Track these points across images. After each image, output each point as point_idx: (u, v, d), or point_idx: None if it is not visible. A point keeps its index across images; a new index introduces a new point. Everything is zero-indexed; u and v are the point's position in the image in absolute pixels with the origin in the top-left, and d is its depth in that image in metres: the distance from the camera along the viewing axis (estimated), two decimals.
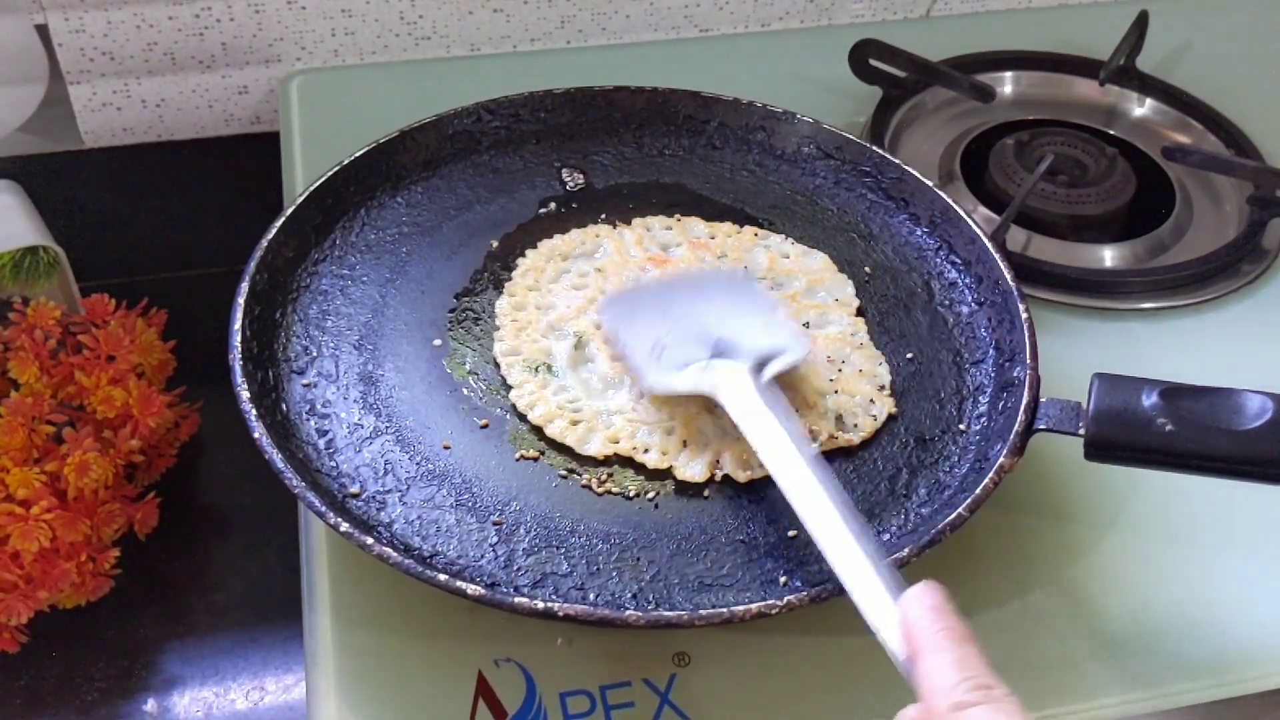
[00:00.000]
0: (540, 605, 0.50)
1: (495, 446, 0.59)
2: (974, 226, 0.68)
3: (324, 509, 0.53)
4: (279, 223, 0.66)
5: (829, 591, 0.51)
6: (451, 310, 0.66)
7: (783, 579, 0.54)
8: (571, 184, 0.74)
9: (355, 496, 0.56)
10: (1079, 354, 0.70)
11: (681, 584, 0.54)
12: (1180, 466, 0.54)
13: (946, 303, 0.68)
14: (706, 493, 0.58)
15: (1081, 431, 0.55)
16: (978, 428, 0.61)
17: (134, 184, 0.90)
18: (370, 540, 0.52)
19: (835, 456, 0.60)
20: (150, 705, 0.71)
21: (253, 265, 0.63)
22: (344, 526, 0.52)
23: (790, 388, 0.61)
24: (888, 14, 0.97)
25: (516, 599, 0.51)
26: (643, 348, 0.61)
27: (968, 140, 0.85)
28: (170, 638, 0.74)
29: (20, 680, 0.71)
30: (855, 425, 0.61)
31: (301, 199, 0.67)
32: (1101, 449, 0.55)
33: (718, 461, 0.59)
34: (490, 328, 0.65)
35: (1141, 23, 0.90)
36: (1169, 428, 0.53)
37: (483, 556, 0.54)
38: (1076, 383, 0.58)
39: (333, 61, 0.89)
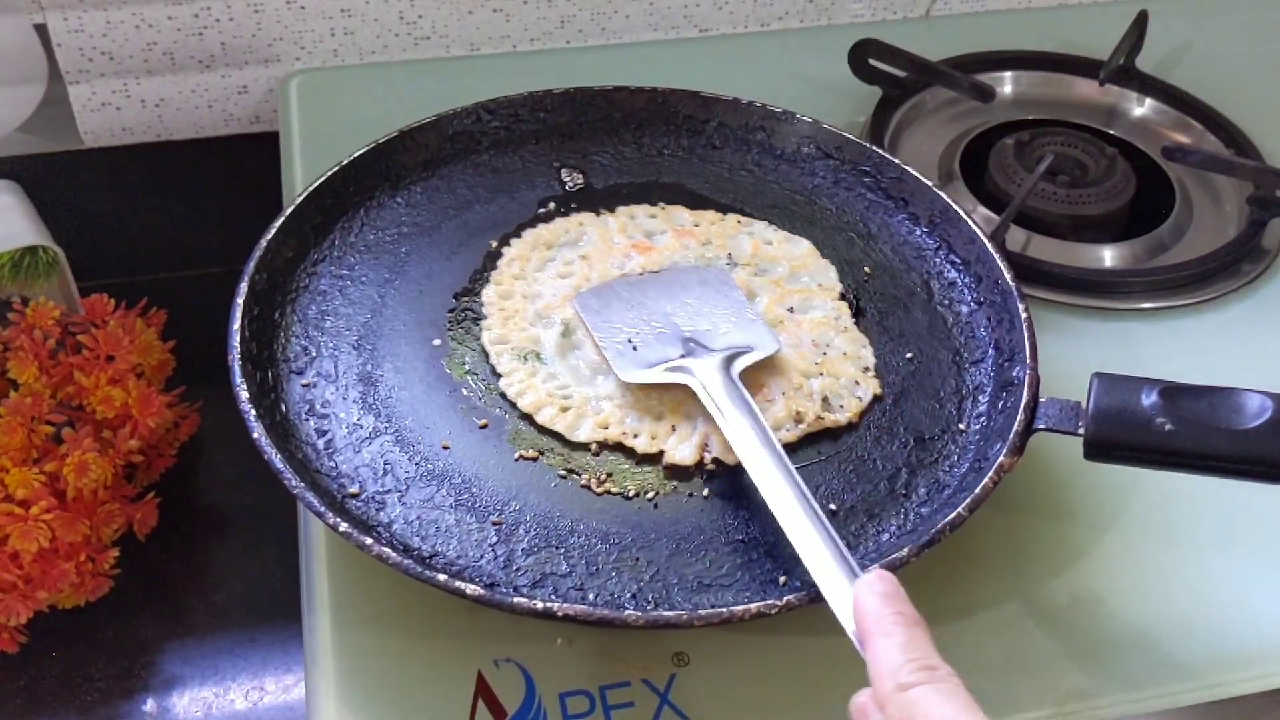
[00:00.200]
0: (540, 605, 0.50)
1: (494, 446, 0.59)
2: (973, 226, 0.68)
3: (323, 509, 0.53)
4: (278, 223, 0.66)
5: None
6: (451, 310, 0.66)
7: (782, 579, 0.54)
8: (571, 184, 0.74)
9: (354, 497, 0.56)
10: (1079, 354, 0.70)
11: (680, 584, 0.54)
12: (1180, 466, 0.54)
13: (946, 302, 0.68)
14: (706, 492, 0.58)
15: (1081, 431, 0.55)
16: (977, 427, 0.61)
17: (134, 184, 0.90)
18: (370, 540, 0.52)
19: (833, 450, 0.60)
20: (150, 705, 0.71)
21: (252, 265, 0.63)
22: (343, 527, 0.52)
23: (777, 371, 0.62)
24: (887, 14, 0.97)
25: (516, 599, 0.51)
26: (615, 343, 0.62)
27: (967, 140, 0.85)
28: (170, 638, 0.74)
29: (20, 680, 0.71)
30: (841, 406, 0.62)
31: (301, 199, 0.67)
32: (1101, 449, 0.55)
33: (706, 445, 0.59)
34: None
35: (1141, 23, 0.90)
36: (1169, 427, 0.53)
37: (482, 557, 0.54)
38: (1076, 382, 0.58)
39: (332, 61, 0.89)
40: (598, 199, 0.73)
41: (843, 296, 0.68)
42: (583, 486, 0.58)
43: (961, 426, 0.61)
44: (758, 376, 0.61)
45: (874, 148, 0.74)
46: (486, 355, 0.63)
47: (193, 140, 0.89)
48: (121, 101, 0.86)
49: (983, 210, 0.80)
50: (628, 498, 0.58)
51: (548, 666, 0.55)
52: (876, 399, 0.63)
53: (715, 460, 0.59)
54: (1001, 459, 0.56)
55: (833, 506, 0.58)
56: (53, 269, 0.81)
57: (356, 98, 0.86)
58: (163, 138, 0.89)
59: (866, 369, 0.64)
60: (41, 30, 0.81)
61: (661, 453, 0.59)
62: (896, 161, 0.73)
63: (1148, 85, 0.90)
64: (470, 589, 0.50)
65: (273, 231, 0.65)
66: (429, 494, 0.57)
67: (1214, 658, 0.58)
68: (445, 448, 0.59)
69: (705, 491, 0.58)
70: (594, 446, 0.59)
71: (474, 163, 0.74)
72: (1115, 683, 0.56)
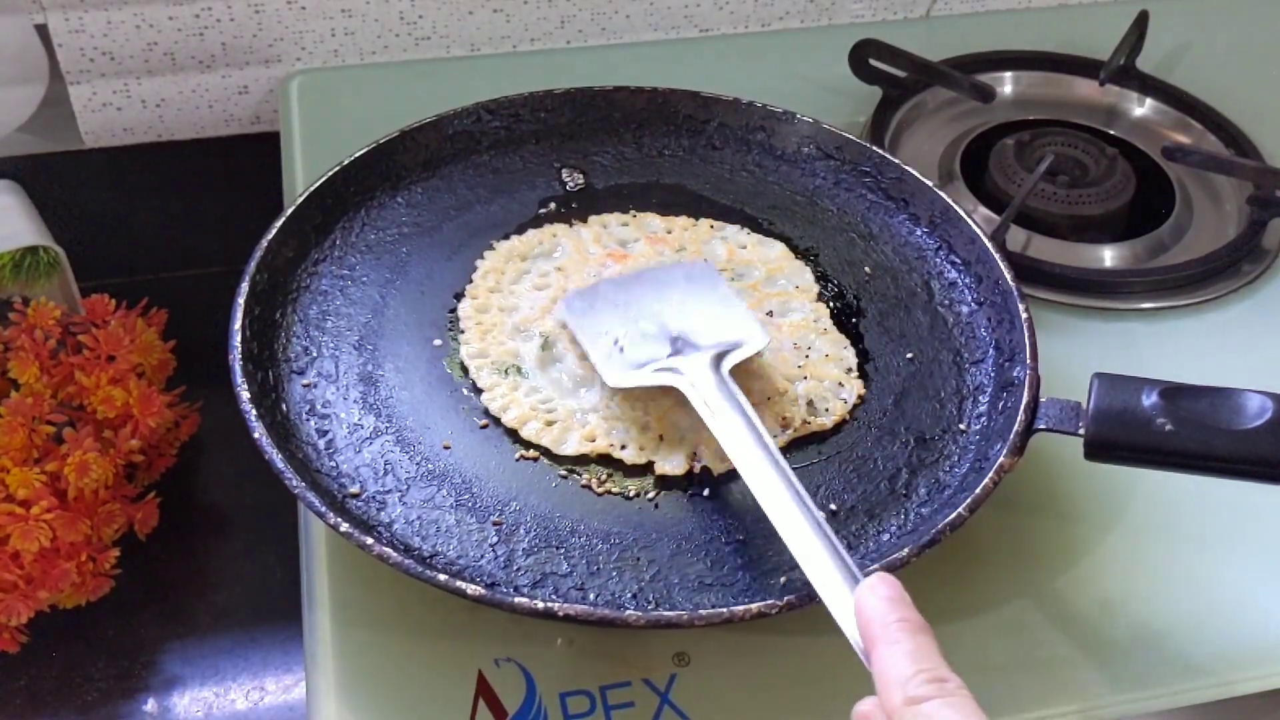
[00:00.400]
0: (540, 605, 0.50)
1: (495, 446, 0.59)
2: (974, 226, 0.68)
3: (324, 509, 0.53)
4: (279, 223, 0.66)
5: None
6: (451, 310, 0.66)
7: (783, 579, 0.54)
8: (571, 184, 0.74)
9: (355, 497, 0.56)
10: (1079, 354, 0.70)
11: (681, 584, 0.54)
12: (1180, 466, 0.54)
13: (946, 302, 0.68)
14: (706, 492, 0.58)
15: (1081, 431, 0.55)
16: (978, 427, 0.61)
17: (134, 184, 0.91)
18: (370, 540, 0.52)
19: (833, 450, 0.60)
20: (150, 705, 0.71)
21: (253, 265, 0.63)
22: (344, 526, 0.52)
23: (760, 376, 0.62)
24: (888, 14, 0.97)
25: (516, 599, 0.51)
26: (602, 346, 0.61)
27: (968, 140, 0.85)
28: (170, 638, 0.74)
29: (20, 680, 0.71)
30: (826, 409, 0.62)
31: (301, 199, 0.67)
32: (1101, 449, 0.55)
33: (695, 454, 0.59)
34: None
35: (1141, 23, 0.90)
36: (1169, 427, 0.53)
37: (482, 556, 0.54)
38: (1076, 383, 0.58)
39: (333, 61, 0.89)
40: (598, 199, 0.73)
41: (820, 298, 0.68)
42: (583, 486, 0.58)
43: (962, 427, 0.61)
44: (743, 383, 0.61)
45: (874, 148, 0.74)
46: (466, 370, 0.62)
47: (193, 140, 0.89)
48: (122, 101, 0.86)
49: (983, 210, 0.80)
50: (628, 498, 0.58)
51: (548, 666, 0.55)
52: (861, 401, 0.62)
53: (705, 469, 0.59)
54: (1002, 459, 0.56)
55: (833, 506, 0.58)
56: (53, 269, 0.81)
57: (357, 98, 0.86)
58: (163, 138, 0.89)
59: (849, 370, 0.64)
60: (42, 30, 0.81)
61: (651, 463, 0.59)
62: (897, 162, 0.73)
63: (1148, 85, 0.90)
64: (471, 589, 0.50)
65: (273, 231, 0.65)
66: (429, 494, 0.57)
67: (1216, 657, 0.58)
68: (446, 448, 0.59)
69: (706, 491, 0.58)
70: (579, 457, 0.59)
71: (474, 163, 0.74)
72: (1117, 682, 0.56)
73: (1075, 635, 0.58)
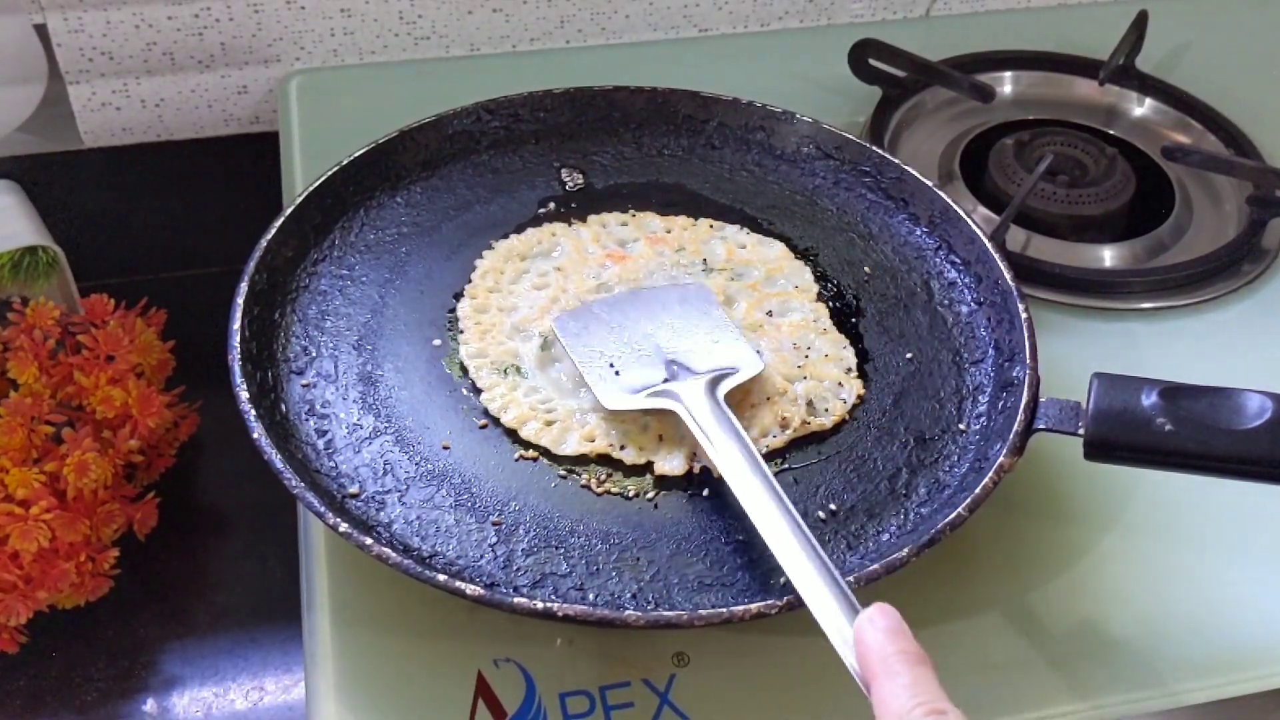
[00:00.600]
0: (540, 605, 0.50)
1: (495, 446, 0.59)
2: (973, 226, 0.68)
3: (323, 509, 0.52)
4: (278, 223, 0.66)
5: None
6: (451, 310, 0.66)
7: (782, 579, 0.54)
8: (571, 184, 0.74)
9: (354, 497, 0.56)
10: (1079, 354, 0.70)
11: (681, 584, 0.54)
12: (1180, 466, 0.54)
13: (946, 302, 0.68)
14: (706, 492, 0.58)
15: (1081, 431, 0.55)
16: (977, 427, 0.61)
17: (133, 184, 0.90)
18: (369, 540, 0.52)
19: (833, 450, 0.60)
20: (150, 705, 0.71)
21: (252, 265, 0.63)
22: (343, 527, 0.52)
23: (759, 376, 0.61)
24: (887, 14, 0.97)
25: (516, 599, 0.50)
26: (597, 368, 0.61)
27: (967, 140, 0.85)
28: (170, 638, 0.74)
29: (20, 680, 0.71)
30: (826, 409, 0.62)
31: (301, 199, 0.67)
32: (1101, 449, 0.55)
33: (694, 454, 0.59)
34: None
35: (1141, 23, 0.90)
36: (1169, 427, 0.53)
37: (482, 557, 0.54)
38: (1076, 382, 0.58)
39: (332, 61, 0.89)
40: (598, 199, 0.73)
41: (820, 298, 0.68)
42: (583, 486, 0.58)
43: (962, 426, 0.61)
44: (743, 384, 0.60)
45: (874, 148, 0.74)
46: (465, 370, 0.62)
47: (193, 140, 0.89)
48: (121, 101, 0.86)
49: (983, 210, 0.80)
50: (628, 498, 0.57)
51: (548, 666, 0.55)
52: (861, 400, 0.62)
53: (704, 469, 0.59)
54: (1002, 459, 0.56)
55: (833, 506, 0.58)
56: (53, 269, 0.81)
57: (356, 98, 0.86)
58: (163, 138, 0.89)
59: (849, 370, 0.64)
60: (41, 30, 0.81)
61: (651, 463, 0.59)
62: (896, 162, 0.73)
63: (1148, 85, 0.90)
64: (470, 589, 0.50)
65: (273, 231, 0.65)
66: (429, 494, 0.57)
67: (1215, 657, 0.58)
68: (445, 448, 0.59)
69: (705, 491, 0.58)
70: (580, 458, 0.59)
71: (474, 163, 0.74)
72: (1116, 683, 0.56)
73: (1075, 635, 0.58)
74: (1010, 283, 0.64)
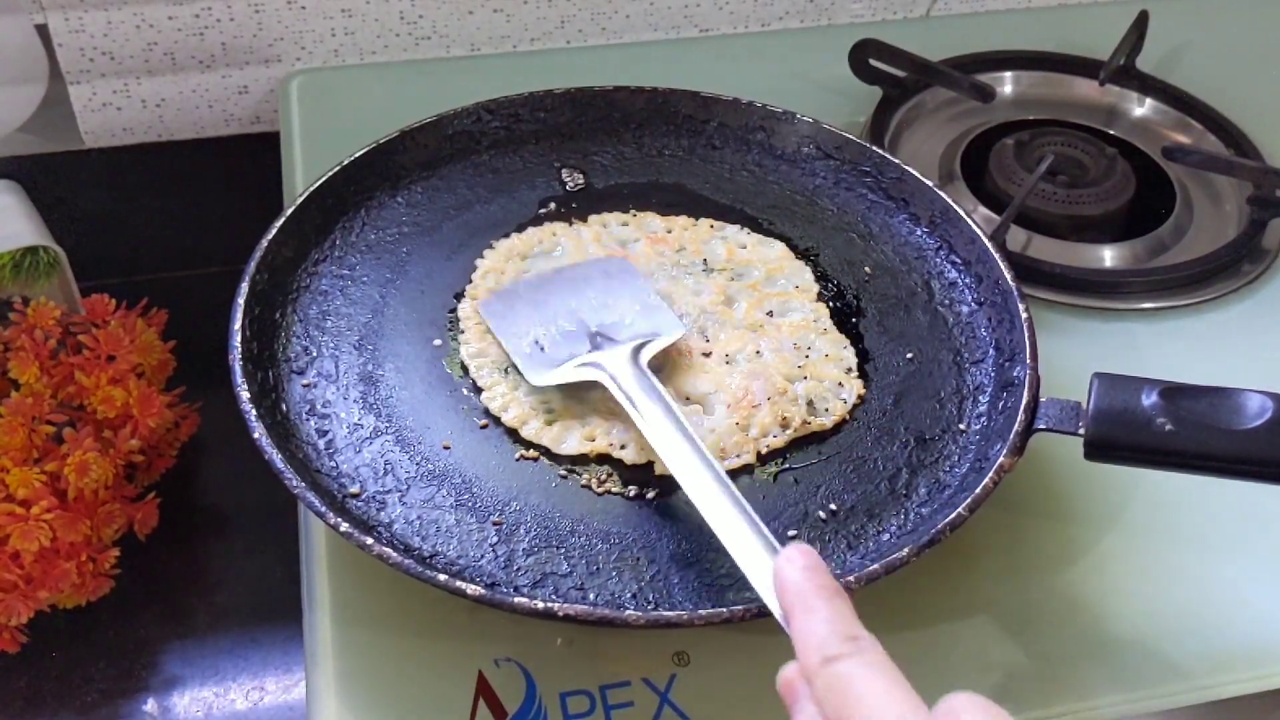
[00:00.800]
0: (540, 605, 0.50)
1: (495, 446, 0.59)
2: (974, 226, 0.68)
3: (324, 509, 0.53)
4: (279, 223, 0.66)
5: None
6: (451, 310, 0.66)
7: None
8: (571, 184, 0.74)
9: (355, 497, 0.56)
10: (1079, 354, 0.70)
11: (681, 583, 0.54)
12: (1180, 466, 0.54)
13: (946, 302, 0.68)
14: None
15: (1081, 431, 0.55)
16: (978, 427, 0.61)
17: (134, 184, 0.91)
18: (370, 540, 0.52)
19: (833, 450, 0.60)
20: (150, 705, 0.71)
21: (253, 265, 0.63)
22: (344, 526, 0.52)
23: (760, 375, 0.61)
24: (888, 14, 0.97)
25: (516, 599, 0.51)
26: (523, 346, 0.62)
27: (968, 140, 0.85)
28: (170, 638, 0.74)
29: (20, 680, 0.71)
30: (826, 409, 0.62)
31: (301, 199, 0.67)
32: (1101, 449, 0.55)
33: None
34: None
35: (1141, 23, 0.90)
36: (1169, 427, 0.53)
37: (482, 556, 0.54)
38: (1076, 382, 0.58)
39: (333, 61, 0.89)
40: (598, 199, 0.73)
41: (820, 298, 0.68)
42: (583, 486, 0.58)
43: (962, 426, 0.61)
44: (744, 384, 0.61)
45: (874, 148, 0.74)
46: (466, 370, 0.63)
47: (193, 140, 0.89)
48: (122, 101, 0.86)
49: (983, 210, 0.80)
50: (629, 498, 0.58)
51: (548, 666, 0.55)
52: (861, 400, 0.62)
53: None
54: (1002, 459, 0.56)
55: (833, 506, 0.58)
56: (53, 269, 0.81)
57: (357, 98, 0.86)
58: (163, 138, 0.89)
59: (849, 370, 0.64)
60: (42, 30, 0.81)
61: (651, 463, 0.59)
62: (897, 162, 0.73)
63: (1148, 85, 0.90)
64: (471, 589, 0.50)
65: (273, 231, 0.65)
66: (429, 494, 0.57)
67: (1215, 658, 0.58)
68: (446, 448, 0.59)
69: None
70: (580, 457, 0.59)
71: (474, 163, 0.74)
72: (1115, 683, 0.56)
73: (1075, 635, 0.58)
74: (1011, 283, 0.64)
